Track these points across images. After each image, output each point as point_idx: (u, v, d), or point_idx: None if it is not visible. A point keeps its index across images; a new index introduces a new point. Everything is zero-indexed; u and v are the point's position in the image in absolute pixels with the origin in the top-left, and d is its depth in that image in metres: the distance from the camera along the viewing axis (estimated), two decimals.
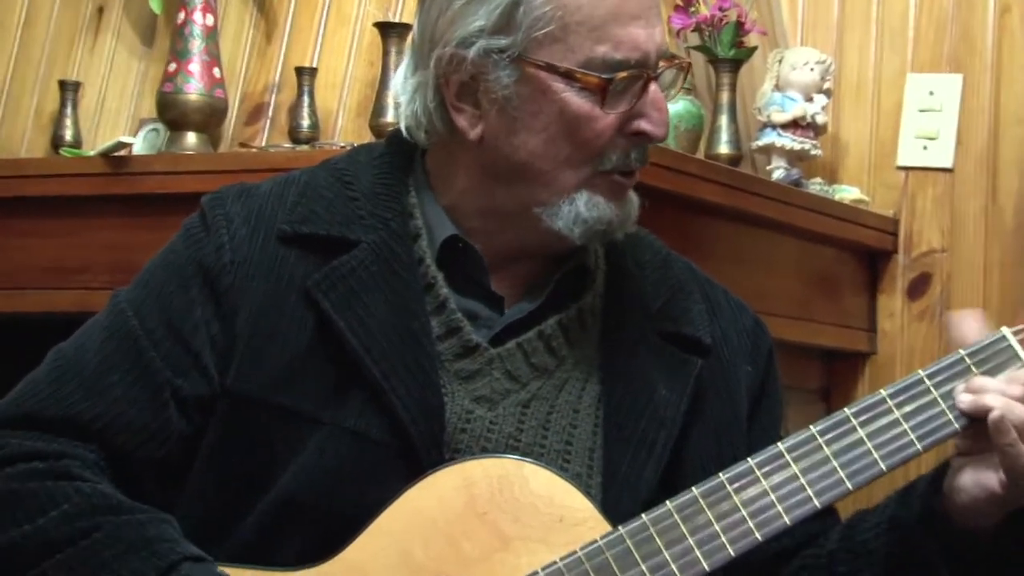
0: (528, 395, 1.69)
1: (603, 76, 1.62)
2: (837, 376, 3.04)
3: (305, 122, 2.77)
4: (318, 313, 1.66)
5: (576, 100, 1.63)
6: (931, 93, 3.05)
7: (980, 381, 1.60)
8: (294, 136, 2.77)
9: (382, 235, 1.69)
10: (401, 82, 1.73)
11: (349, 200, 1.71)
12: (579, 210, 1.65)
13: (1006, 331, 1.62)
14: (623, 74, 1.62)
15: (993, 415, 1.57)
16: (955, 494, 1.62)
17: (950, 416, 1.60)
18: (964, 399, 1.60)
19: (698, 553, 1.58)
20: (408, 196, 1.72)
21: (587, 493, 1.63)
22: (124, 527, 1.58)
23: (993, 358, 1.62)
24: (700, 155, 2.80)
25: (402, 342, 1.64)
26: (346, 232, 1.69)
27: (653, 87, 1.65)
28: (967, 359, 1.62)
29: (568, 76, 1.63)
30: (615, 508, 1.63)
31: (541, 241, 1.69)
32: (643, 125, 1.65)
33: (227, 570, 1.60)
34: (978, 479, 1.61)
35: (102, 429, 1.64)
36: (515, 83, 1.63)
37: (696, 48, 2.86)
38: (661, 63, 1.66)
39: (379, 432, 1.63)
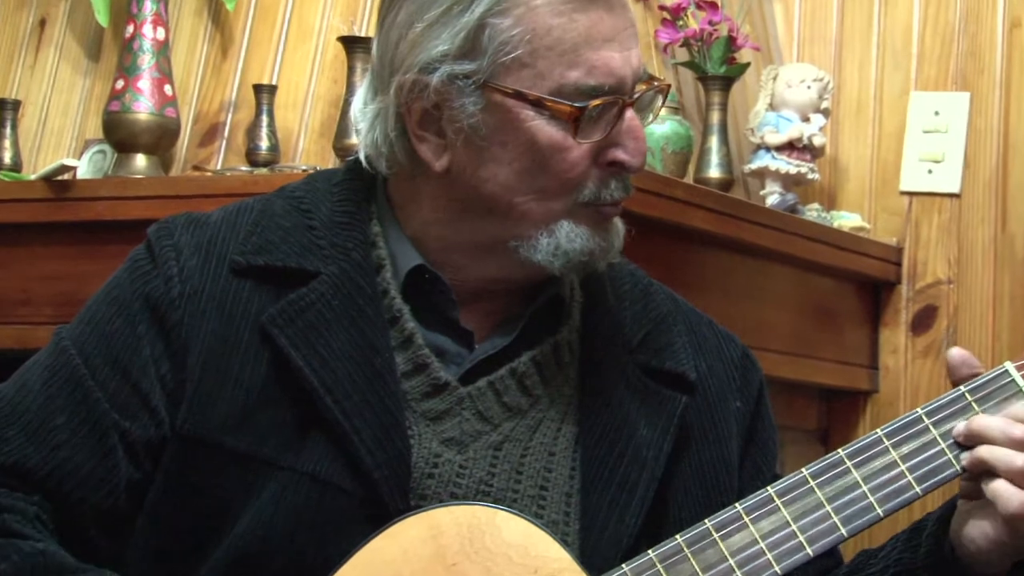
0: (500, 437, 1.69)
1: (575, 104, 1.62)
2: (836, 416, 3.06)
3: (264, 143, 2.77)
4: (274, 350, 1.66)
5: (547, 129, 1.63)
6: (936, 113, 3.08)
7: (980, 422, 1.60)
8: (252, 159, 2.78)
9: (343, 266, 1.69)
10: (359, 109, 1.73)
11: (307, 229, 1.71)
12: (559, 241, 1.66)
13: (1009, 366, 1.63)
14: (597, 101, 1.63)
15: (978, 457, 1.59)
16: (962, 543, 1.63)
17: (950, 456, 1.61)
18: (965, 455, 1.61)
19: None
20: (371, 225, 1.73)
21: (564, 542, 1.63)
22: None
23: (996, 394, 1.62)
24: (689, 179, 2.82)
25: (365, 380, 1.65)
26: (304, 263, 1.69)
27: (629, 114, 1.66)
28: (968, 396, 1.62)
29: (538, 104, 1.63)
30: (595, 557, 1.64)
31: (514, 274, 1.69)
32: (618, 155, 1.66)
33: None
34: (983, 530, 1.62)
35: (46, 477, 1.64)
36: (481, 111, 1.64)
37: (684, 64, 2.89)
38: (638, 87, 1.66)
39: (340, 477, 1.63)
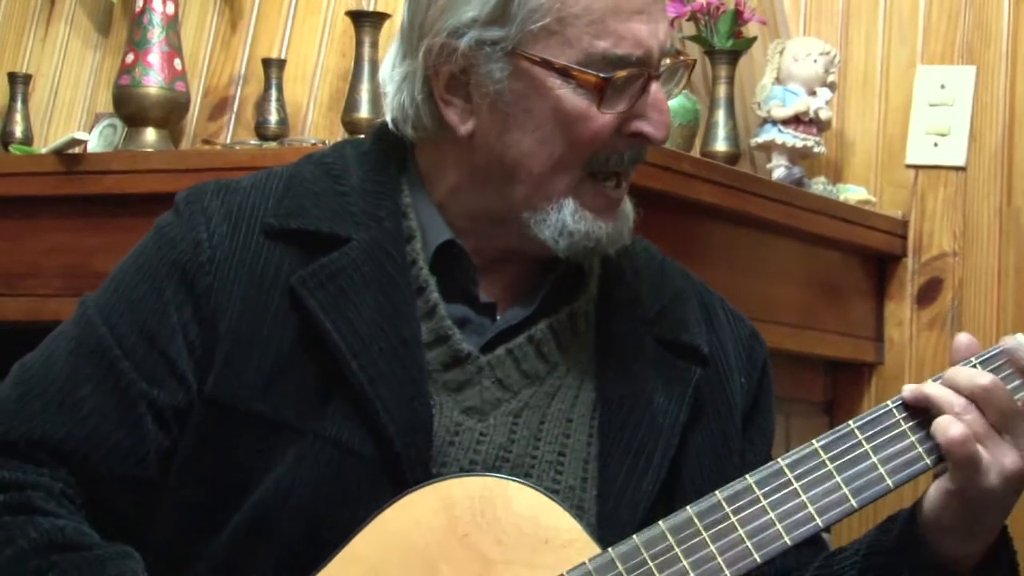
0: (520, 404, 1.70)
1: (602, 74, 1.63)
2: (842, 388, 3.07)
3: (273, 117, 2.77)
4: (303, 313, 1.66)
5: (572, 98, 1.64)
6: (943, 86, 3.08)
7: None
8: (261, 132, 2.77)
9: (375, 233, 1.70)
10: (387, 72, 1.74)
11: (338, 195, 1.72)
12: (565, 220, 1.67)
13: (1022, 337, 1.63)
14: (623, 72, 1.64)
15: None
16: (924, 509, 1.64)
17: None
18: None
19: None
20: (402, 195, 1.73)
21: (580, 507, 1.66)
22: (82, 566, 1.58)
23: (1004, 367, 1.63)
24: (696, 153, 2.82)
25: (391, 348, 1.65)
26: (336, 228, 1.69)
27: (654, 86, 1.66)
28: (979, 367, 1.62)
29: (564, 73, 1.64)
30: (611, 523, 1.65)
31: (528, 248, 1.71)
32: (643, 127, 1.67)
33: None
34: (939, 484, 1.62)
35: (73, 450, 1.64)
36: (508, 77, 1.65)
37: (691, 39, 2.88)
38: (663, 61, 1.67)
39: (361, 444, 1.64)
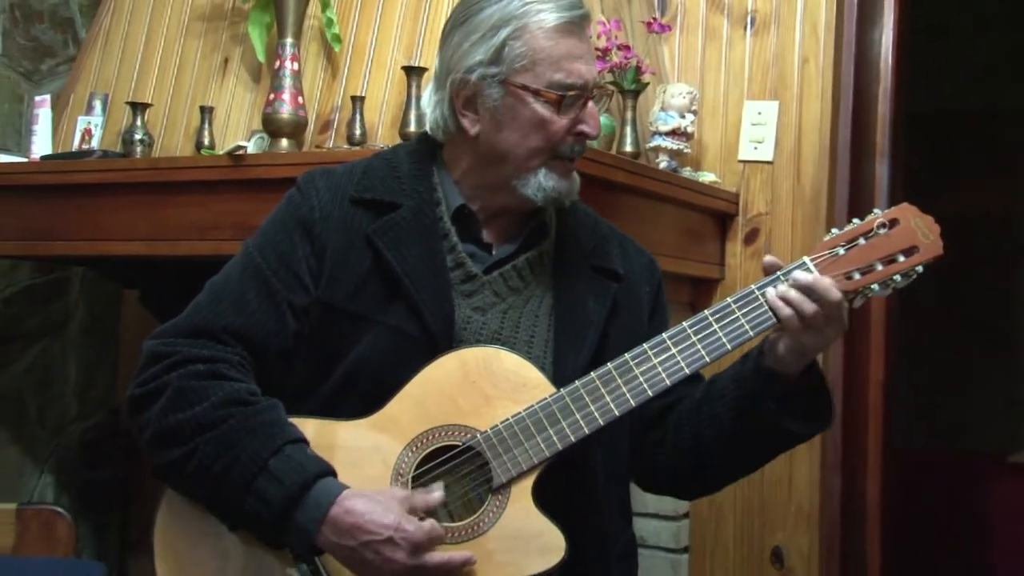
0: (507, 306, 1.69)
1: (558, 94, 1.63)
2: (699, 294, 3.05)
3: (357, 131, 2.73)
4: (375, 251, 1.66)
5: (541, 110, 1.64)
6: (759, 113, 3.05)
7: (784, 290, 1.59)
8: (350, 140, 2.73)
9: (416, 201, 1.69)
10: (427, 99, 1.73)
11: (395, 178, 1.71)
12: (541, 181, 1.66)
13: (806, 258, 1.63)
14: (571, 93, 1.64)
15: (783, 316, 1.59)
16: (773, 351, 1.63)
17: (769, 311, 1.61)
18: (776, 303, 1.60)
19: (612, 404, 1.61)
20: (433, 177, 1.72)
21: (543, 367, 1.64)
22: (249, 416, 1.57)
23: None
24: (613, 152, 2.79)
25: (429, 271, 1.65)
26: (393, 198, 1.69)
27: (590, 104, 1.66)
28: (782, 277, 1.62)
29: (536, 93, 1.63)
30: (561, 377, 1.64)
31: (516, 204, 1.69)
32: (583, 127, 1.66)
33: (308, 421, 1.62)
34: (785, 342, 1.61)
35: (246, 333, 1.64)
36: (501, 97, 1.64)
37: (610, 83, 2.85)
38: (595, 89, 1.67)
39: (413, 329, 1.63)
